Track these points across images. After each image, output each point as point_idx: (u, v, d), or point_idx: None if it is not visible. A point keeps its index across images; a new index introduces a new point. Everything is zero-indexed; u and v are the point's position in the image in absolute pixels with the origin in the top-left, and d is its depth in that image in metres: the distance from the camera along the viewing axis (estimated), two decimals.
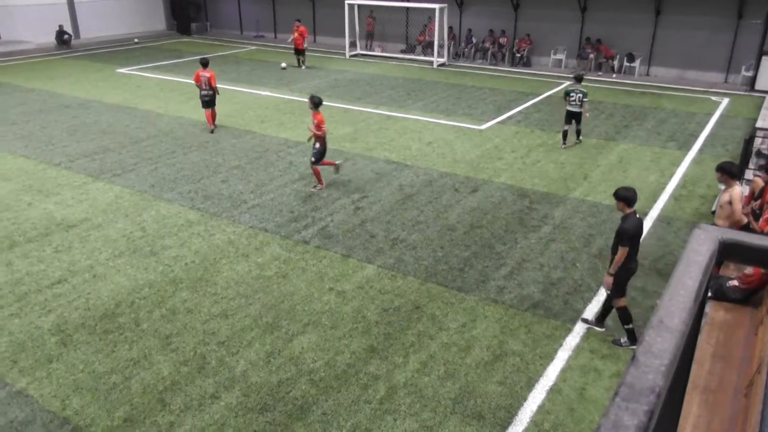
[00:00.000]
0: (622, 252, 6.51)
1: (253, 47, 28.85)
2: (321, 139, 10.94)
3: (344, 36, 26.52)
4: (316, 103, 10.85)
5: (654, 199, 11.07)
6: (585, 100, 13.30)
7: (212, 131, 14.87)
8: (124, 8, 31.92)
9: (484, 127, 15.55)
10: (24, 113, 16.60)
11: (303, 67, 23.31)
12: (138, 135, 14.66)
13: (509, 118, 16.44)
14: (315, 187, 11.27)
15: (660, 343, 0.91)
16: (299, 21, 23.63)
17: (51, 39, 28.22)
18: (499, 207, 10.64)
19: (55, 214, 10.23)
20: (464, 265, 8.65)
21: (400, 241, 9.33)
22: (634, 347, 6.88)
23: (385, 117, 16.42)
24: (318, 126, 10.81)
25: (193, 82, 15.46)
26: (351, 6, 26.02)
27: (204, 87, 14.54)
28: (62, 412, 5.85)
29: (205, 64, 14.75)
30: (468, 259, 8.84)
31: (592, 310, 7.51)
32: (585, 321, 7.30)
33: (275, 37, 31.13)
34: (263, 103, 17.98)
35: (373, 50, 27.29)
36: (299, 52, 23.14)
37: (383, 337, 7.03)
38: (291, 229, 9.70)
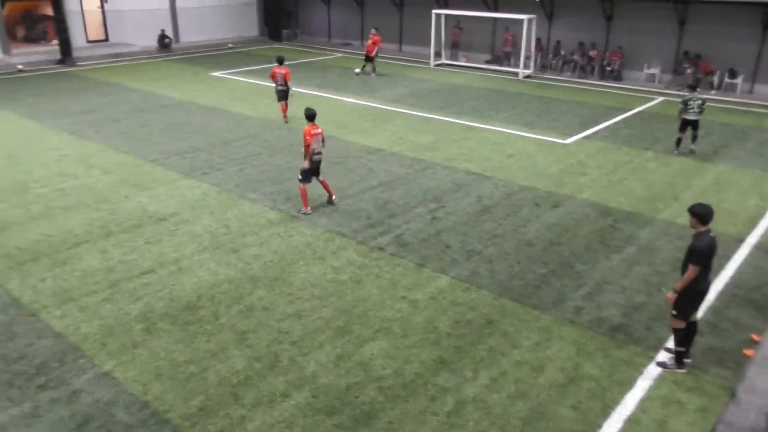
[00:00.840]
0: (693, 270, 6.16)
1: (340, 54, 29.46)
2: (307, 155, 10.30)
3: (429, 45, 26.57)
4: (307, 115, 10.43)
5: (753, 224, 10.35)
6: (703, 107, 13.48)
7: (286, 122, 16.37)
8: (221, 15, 33.47)
9: (568, 141, 15.10)
10: (126, 111, 17.71)
11: (373, 74, 23.65)
12: (227, 136, 15.30)
13: (595, 133, 15.88)
14: (300, 211, 10.57)
15: (764, 381, 0.83)
16: (376, 30, 24.05)
17: (153, 42, 30.01)
18: (581, 224, 10.28)
19: (148, 207, 10.83)
20: (541, 282, 8.41)
21: (476, 254, 9.20)
22: (681, 370, 6.50)
23: (466, 127, 16.29)
24: (304, 139, 10.31)
25: (269, 77, 16.76)
26: (438, 16, 26.06)
27: (280, 82, 16.10)
28: (143, 396, 6.16)
29: (281, 61, 16.34)
30: (545, 276, 8.59)
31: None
32: (668, 350, 6.90)
33: (362, 45, 31.64)
34: (346, 109, 18.30)
35: (458, 60, 27.19)
36: (369, 59, 23.58)
37: (453, 349, 6.94)
38: (367, 235, 9.79)
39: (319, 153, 10.45)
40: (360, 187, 11.88)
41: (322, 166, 10.78)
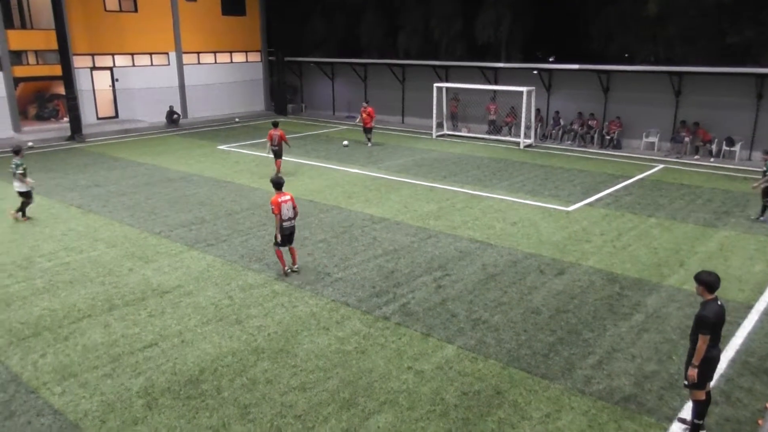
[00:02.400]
0: (702, 341, 6.05)
1: (344, 127, 30.22)
2: (277, 223, 10.63)
3: (431, 117, 27.28)
4: (274, 183, 10.87)
5: (760, 290, 10.25)
6: None
7: (278, 173, 18.08)
8: (228, 91, 34.64)
9: (571, 208, 15.21)
10: (133, 185, 18.03)
11: (369, 144, 24.40)
12: (232, 207, 15.49)
13: (598, 200, 16.02)
14: (279, 273, 10.92)
15: None
16: (367, 102, 25.28)
17: (162, 118, 30.92)
18: (587, 291, 10.20)
19: (152, 280, 10.83)
20: (549, 351, 8.26)
21: (482, 322, 9.09)
22: None
23: (469, 196, 16.48)
24: (271, 207, 10.78)
25: (267, 139, 19.11)
26: (439, 89, 26.90)
27: (275, 143, 18.62)
28: None
29: (275, 124, 19.03)
30: (553, 344, 8.44)
31: (690, 408, 6.88)
32: (682, 421, 6.69)
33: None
34: (351, 179, 18.59)
35: (460, 131, 27.83)
36: (367, 130, 24.52)
37: (462, 422, 6.74)
38: (372, 305, 9.72)
39: (290, 219, 10.78)
40: (364, 256, 11.90)
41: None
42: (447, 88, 27.30)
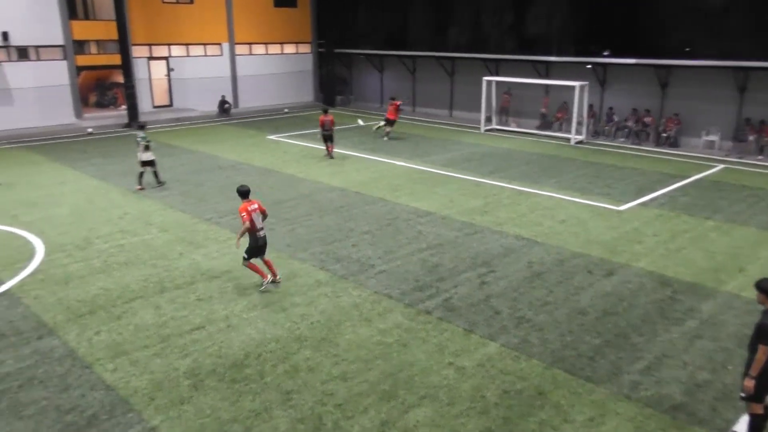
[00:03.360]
0: (763, 352, 5.76)
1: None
2: (249, 231, 9.80)
3: (480, 111, 26.97)
4: (240, 192, 9.90)
5: None
6: None
7: (331, 157, 20.37)
8: (278, 82, 35.11)
9: (622, 207, 14.79)
10: (185, 172, 18.50)
11: (385, 139, 24.20)
12: (279, 197, 15.71)
13: (652, 200, 15.51)
14: (263, 284, 9.97)
15: None
16: (394, 99, 25.38)
17: (214, 108, 31.61)
18: (637, 294, 9.90)
19: (201, 264, 11.10)
20: (595, 354, 8.06)
21: (526, 321, 8.95)
22: None
23: (516, 192, 16.23)
24: (240, 217, 9.80)
25: (319, 125, 20.64)
26: (488, 82, 26.55)
27: (326, 128, 20.19)
28: None
29: (326, 110, 20.59)
30: (599, 347, 8.24)
31: (746, 422, 6.61)
32: None
33: (413, 111, 32.40)
34: (397, 172, 18.58)
35: (509, 125, 27.42)
36: (390, 122, 24.36)
37: (502, 420, 6.66)
38: (415, 298, 9.70)
39: (262, 229, 9.89)
40: (409, 249, 11.88)
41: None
42: (498, 82, 26.90)
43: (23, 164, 19.71)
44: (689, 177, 18.11)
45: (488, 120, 27.13)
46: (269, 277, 10.04)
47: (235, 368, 7.69)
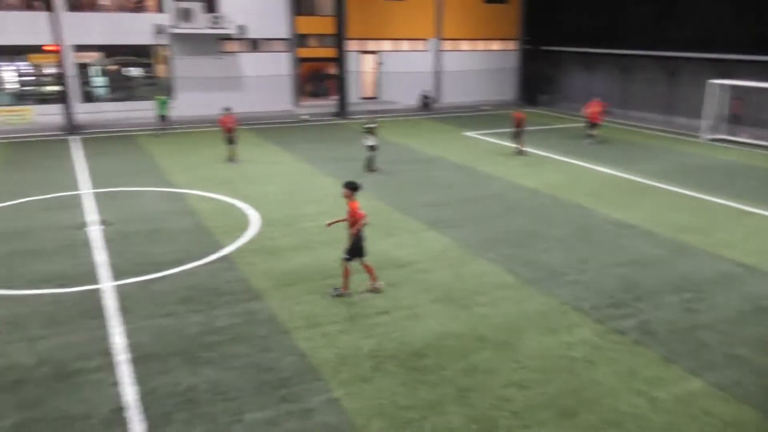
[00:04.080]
0: None
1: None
2: (354, 231, 9.31)
3: (701, 117, 24.21)
4: (354, 188, 9.39)
5: None
6: None
7: (524, 154, 20.44)
8: (480, 79, 35.11)
9: None
10: (384, 162, 19.35)
11: (589, 142, 22.79)
12: (473, 194, 15.70)
13: None
14: (335, 290, 9.56)
15: None
16: (596, 99, 23.84)
17: (414, 101, 32.63)
18: None
19: (391, 252, 11.52)
20: None
21: (741, 361, 7.83)
22: None
23: (739, 211, 14.29)
24: (351, 215, 9.30)
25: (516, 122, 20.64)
26: (716, 86, 23.69)
27: (519, 124, 20.43)
28: (363, 430, 6.40)
29: (519, 107, 21.14)
30: None
31: None
32: None
33: (626, 114, 30.16)
34: (598, 178, 17.48)
35: (739, 136, 24.23)
36: (593, 125, 23.03)
37: None
38: (607, 315, 9.03)
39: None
40: (605, 261, 11.10)
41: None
42: (725, 86, 23.89)
43: (246, 144, 22.21)
44: None
45: (713, 128, 24.26)
46: (350, 292, 9.55)
47: (415, 357, 7.86)
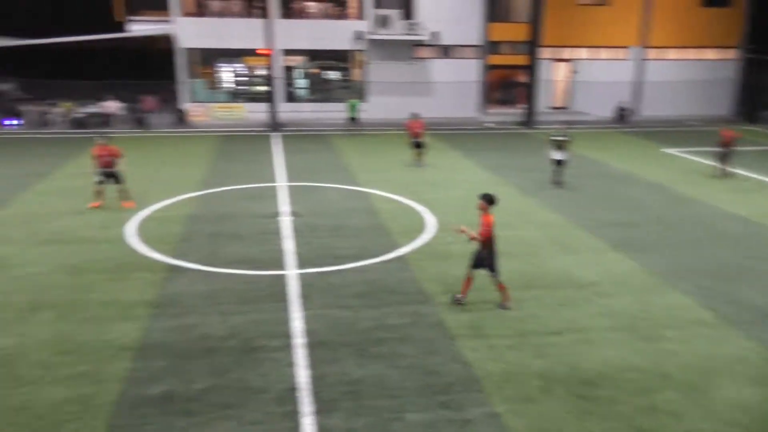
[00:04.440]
0: None
1: None
2: (484, 244, 9.09)
3: None
4: (490, 200, 9.12)
5: None
6: None
7: (727, 176, 18.28)
8: (688, 90, 31.91)
9: None
10: (569, 176, 18.42)
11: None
12: (666, 216, 14.29)
13: None
14: (459, 297, 9.42)
15: None
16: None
17: (608, 113, 30.62)
18: None
19: (570, 271, 10.90)
20: None
21: None
22: None
23: None
24: (484, 228, 9.00)
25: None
26: None
27: (726, 143, 18.17)
28: None
29: (728, 124, 18.71)
30: None
31: None
32: None
33: None
34: None
35: None
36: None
37: None
38: None
39: None
40: None
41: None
42: None
43: (430, 149, 22.63)
44: None
45: None
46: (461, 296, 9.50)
47: (587, 385, 7.33)
